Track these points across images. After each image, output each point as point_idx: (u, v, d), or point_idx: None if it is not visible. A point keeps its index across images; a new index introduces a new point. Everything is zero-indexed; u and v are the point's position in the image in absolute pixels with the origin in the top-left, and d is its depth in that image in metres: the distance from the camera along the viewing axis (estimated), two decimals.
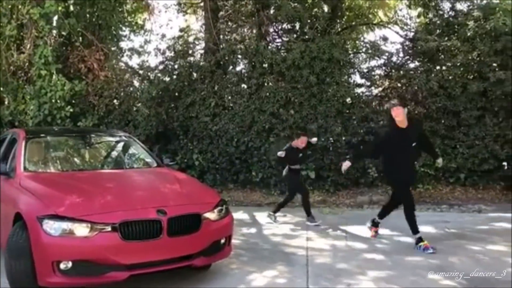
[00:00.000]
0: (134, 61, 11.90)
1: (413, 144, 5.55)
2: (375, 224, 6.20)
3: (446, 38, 10.02)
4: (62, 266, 3.76)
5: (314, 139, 7.67)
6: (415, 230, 5.57)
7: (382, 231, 6.47)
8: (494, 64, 9.51)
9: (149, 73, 11.04)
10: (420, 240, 5.53)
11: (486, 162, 9.31)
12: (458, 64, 9.84)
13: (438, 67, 10.27)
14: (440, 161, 6.07)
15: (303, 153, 7.59)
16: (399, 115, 5.48)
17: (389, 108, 5.72)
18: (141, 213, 4.05)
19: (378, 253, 5.53)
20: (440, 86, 9.70)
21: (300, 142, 7.39)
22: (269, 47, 10.79)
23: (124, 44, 12.43)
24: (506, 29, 9.26)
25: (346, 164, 5.83)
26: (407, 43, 10.68)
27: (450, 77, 9.89)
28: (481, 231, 6.34)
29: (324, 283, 4.46)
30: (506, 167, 9.50)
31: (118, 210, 4.00)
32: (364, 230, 6.39)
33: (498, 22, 9.23)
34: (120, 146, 6.05)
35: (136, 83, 11.51)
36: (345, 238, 6.26)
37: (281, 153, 7.31)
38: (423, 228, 6.70)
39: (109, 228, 3.82)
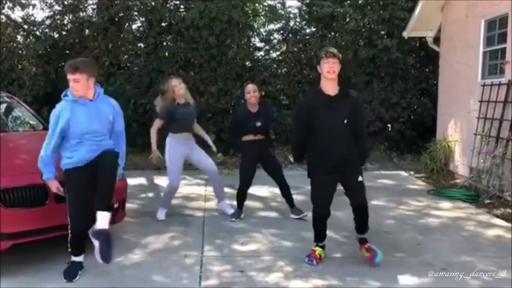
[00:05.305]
0: (17, 14, 10.80)
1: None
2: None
3: (340, 5, 10.42)
4: None
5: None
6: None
7: (277, 190, 6.76)
8: (382, 32, 10.13)
9: (34, 28, 10.12)
10: None
11: (373, 124, 9.99)
12: (350, 30, 10.33)
13: (332, 33, 10.70)
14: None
15: (262, 117, 5.12)
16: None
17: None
18: (25, 178, 3.81)
19: (272, 211, 5.80)
20: None
21: (246, 93, 5.10)
22: (167, 5, 10.40)
23: None
24: None
25: None
26: (304, 8, 10.94)
27: (343, 43, 10.35)
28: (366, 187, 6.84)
29: (219, 242, 4.60)
30: (390, 129, 10.32)
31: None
32: (261, 190, 6.62)
33: None
34: (1, 107, 5.56)
35: (20, 39, 10.52)
36: None
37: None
38: None
39: None
